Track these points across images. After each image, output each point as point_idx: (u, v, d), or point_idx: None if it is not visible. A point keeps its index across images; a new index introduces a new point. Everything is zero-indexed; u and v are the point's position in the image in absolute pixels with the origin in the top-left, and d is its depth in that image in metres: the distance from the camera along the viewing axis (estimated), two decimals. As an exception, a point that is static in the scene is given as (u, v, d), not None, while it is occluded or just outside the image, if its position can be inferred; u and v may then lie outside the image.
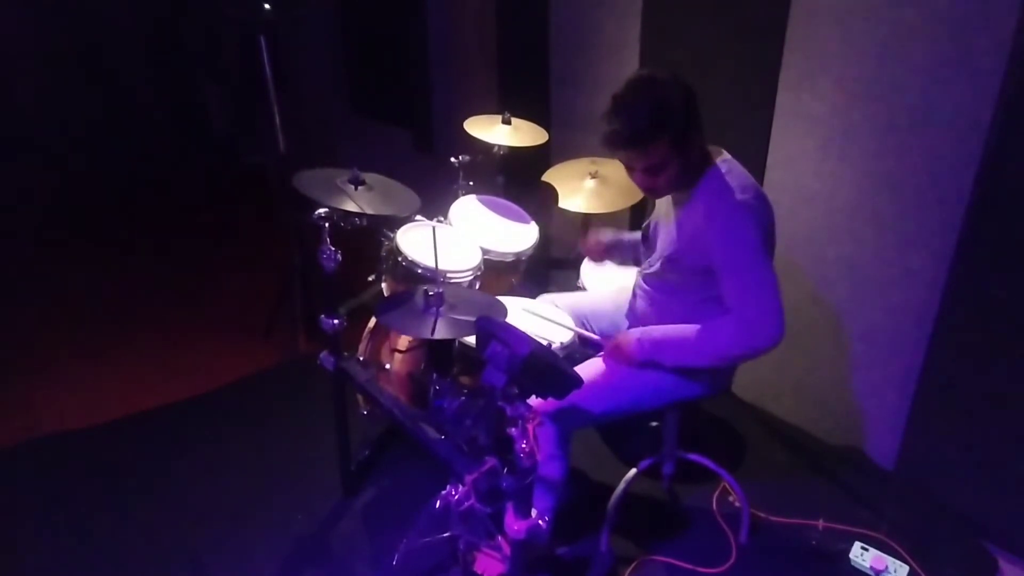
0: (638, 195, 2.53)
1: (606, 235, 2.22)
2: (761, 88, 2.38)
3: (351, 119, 4.84)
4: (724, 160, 1.75)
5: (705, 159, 1.74)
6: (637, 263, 2.11)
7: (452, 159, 2.63)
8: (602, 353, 1.92)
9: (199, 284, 3.83)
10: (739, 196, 1.68)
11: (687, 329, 1.76)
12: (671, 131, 1.63)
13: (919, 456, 2.35)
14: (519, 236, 2.53)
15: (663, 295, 1.90)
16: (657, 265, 1.87)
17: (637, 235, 2.14)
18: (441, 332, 1.73)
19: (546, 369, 1.47)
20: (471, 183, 2.69)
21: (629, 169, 1.75)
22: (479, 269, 2.31)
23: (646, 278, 1.96)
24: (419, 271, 2.19)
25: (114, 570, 2.11)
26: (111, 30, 5.09)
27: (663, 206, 1.89)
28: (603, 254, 2.24)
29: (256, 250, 4.16)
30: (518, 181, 2.84)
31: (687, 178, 1.74)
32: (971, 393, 2.15)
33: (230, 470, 2.49)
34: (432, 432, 1.88)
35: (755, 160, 2.46)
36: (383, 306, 1.88)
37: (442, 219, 2.48)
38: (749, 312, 1.65)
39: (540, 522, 1.60)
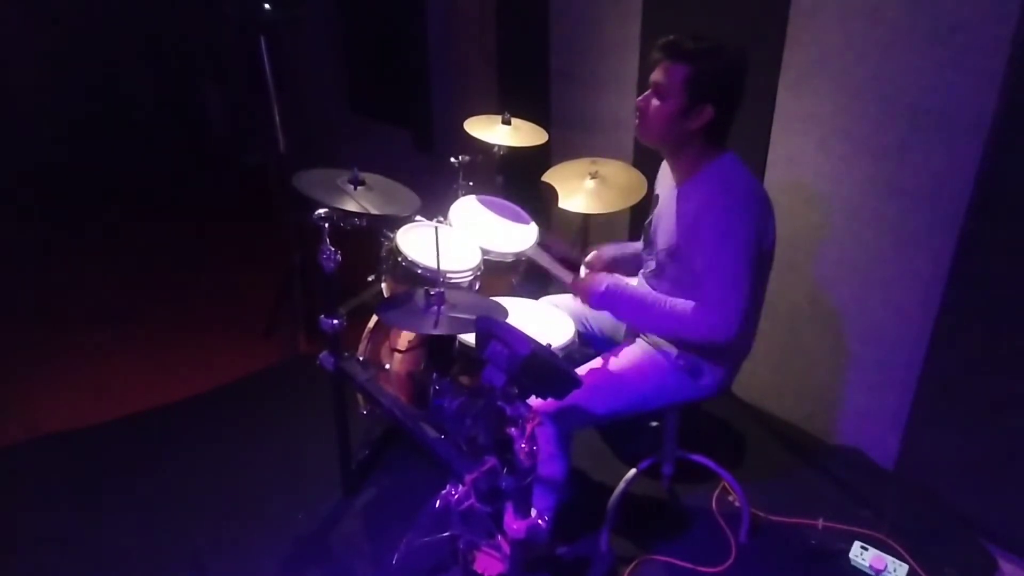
0: (638, 195, 2.53)
1: (608, 250, 2.19)
2: (761, 88, 2.39)
3: (351, 119, 4.84)
4: (730, 157, 1.76)
5: (714, 151, 1.75)
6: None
7: (452, 159, 2.62)
8: (569, 283, 2.01)
9: (199, 284, 3.83)
10: (734, 192, 1.70)
11: (651, 300, 1.80)
12: (693, 66, 1.65)
13: (919, 456, 2.35)
14: (519, 236, 2.53)
15: (663, 293, 1.90)
16: (659, 257, 1.87)
17: (638, 245, 2.15)
18: (443, 328, 1.73)
19: (546, 369, 1.47)
20: (471, 183, 2.68)
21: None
22: (479, 269, 2.30)
23: (646, 276, 1.97)
24: (419, 271, 2.19)
25: (114, 570, 2.11)
26: (111, 30, 5.09)
27: (665, 200, 1.89)
28: (607, 269, 2.18)
29: (256, 250, 4.16)
30: (518, 181, 2.84)
31: (675, 140, 1.75)
32: (971, 393, 2.15)
33: (230, 470, 2.49)
34: (432, 432, 1.88)
35: (755, 160, 2.46)
36: (384, 305, 1.88)
37: (442, 219, 2.48)
38: (711, 304, 1.68)
39: (540, 522, 1.60)
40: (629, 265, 2.16)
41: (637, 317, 1.86)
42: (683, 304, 1.74)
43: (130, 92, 5.33)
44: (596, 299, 1.88)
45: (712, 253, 1.68)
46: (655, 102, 1.72)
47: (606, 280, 1.87)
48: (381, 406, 2.06)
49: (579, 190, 2.57)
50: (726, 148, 1.77)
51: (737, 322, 1.66)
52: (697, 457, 2.17)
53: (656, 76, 1.72)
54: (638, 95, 1.78)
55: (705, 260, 1.69)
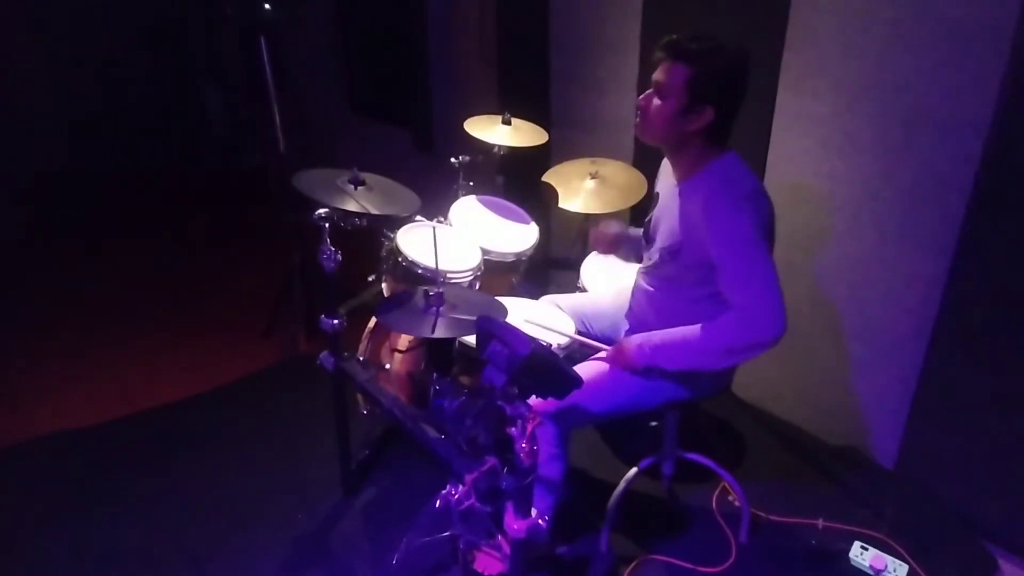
0: (638, 195, 2.53)
1: (614, 227, 2.23)
2: (761, 88, 2.38)
3: (351, 119, 4.84)
4: (732, 156, 1.76)
5: (715, 151, 1.75)
6: (640, 260, 2.11)
7: (452, 159, 2.63)
8: (603, 356, 1.92)
9: (199, 284, 3.83)
10: (738, 188, 1.69)
11: (687, 330, 1.75)
12: (695, 67, 1.65)
13: (919, 456, 2.35)
14: (519, 236, 2.53)
15: (661, 292, 1.90)
16: (656, 258, 1.87)
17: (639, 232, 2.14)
18: (441, 331, 1.73)
19: (546, 369, 1.47)
20: (471, 183, 2.69)
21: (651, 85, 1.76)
22: (479, 269, 2.31)
23: (644, 274, 1.97)
24: (419, 271, 2.19)
25: (114, 570, 2.10)
26: (111, 30, 5.09)
27: (666, 197, 1.89)
28: (610, 246, 2.24)
29: (256, 250, 4.16)
30: (518, 181, 2.84)
31: (675, 140, 1.75)
32: (971, 393, 2.15)
33: (230, 469, 2.49)
34: (432, 432, 1.88)
35: (755, 160, 2.46)
36: (383, 306, 1.88)
37: (442, 219, 2.48)
38: (748, 305, 1.65)
39: (540, 521, 1.60)
40: (632, 246, 2.16)
41: (682, 352, 1.76)
42: (716, 320, 1.70)
43: (130, 93, 5.33)
44: (636, 360, 1.81)
45: (727, 249, 1.67)
46: (656, 101, 1.73)
47: (634, 340, 1.83)
48: (381, 406, 2.06)
49: (579, 190, 2.57)
50: (728, 148, 1.76)
51: (778, 311, 1.63)
52: (697, 457, 2.17)
53: (658, 75, 1.72)
54: (639, 95, 1.78)
55: (722, 259, 1.68)
